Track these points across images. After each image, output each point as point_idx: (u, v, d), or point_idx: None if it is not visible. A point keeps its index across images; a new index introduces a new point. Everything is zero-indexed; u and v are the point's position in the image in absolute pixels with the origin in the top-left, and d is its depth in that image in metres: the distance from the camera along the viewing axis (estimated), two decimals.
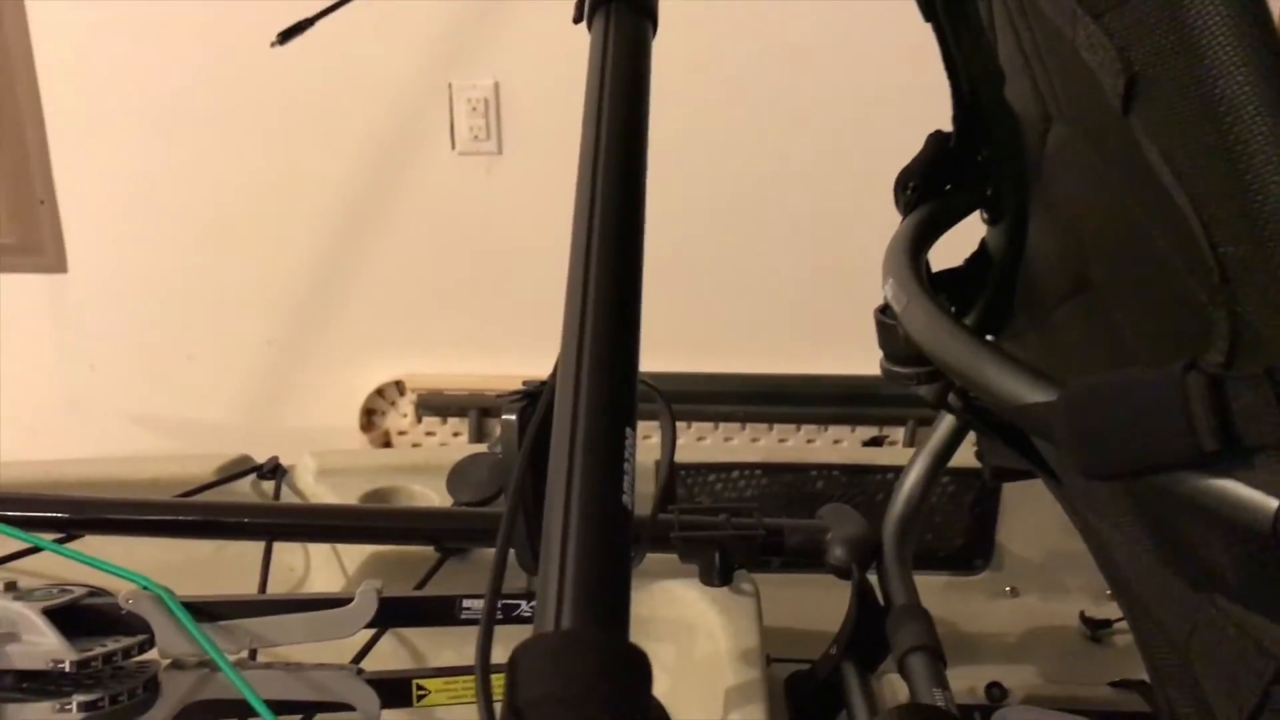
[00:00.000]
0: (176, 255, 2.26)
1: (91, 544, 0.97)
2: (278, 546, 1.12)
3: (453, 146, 2.16)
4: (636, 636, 0.39)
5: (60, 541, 1.00)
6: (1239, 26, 0.40)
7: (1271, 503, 0.43)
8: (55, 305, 2.30)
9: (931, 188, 0.88)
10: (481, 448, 1.28)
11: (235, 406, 2.33)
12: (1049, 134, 0.71)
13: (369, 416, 2.28)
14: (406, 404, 2.26)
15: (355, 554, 1.20)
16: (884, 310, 0.77)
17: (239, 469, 1.23)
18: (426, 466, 1.24)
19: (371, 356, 2.28)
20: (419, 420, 2.25)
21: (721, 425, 2.18)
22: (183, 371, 2.32)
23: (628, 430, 0.45)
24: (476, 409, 2.20)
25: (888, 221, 0.88)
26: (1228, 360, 0.44)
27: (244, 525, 1.08)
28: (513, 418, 0.82)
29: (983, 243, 0.93)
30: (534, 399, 0.83)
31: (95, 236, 2.27)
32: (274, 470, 1.24)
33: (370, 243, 2.24)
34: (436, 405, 2.24)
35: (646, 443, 1.88)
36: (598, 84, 0.59)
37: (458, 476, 1.20)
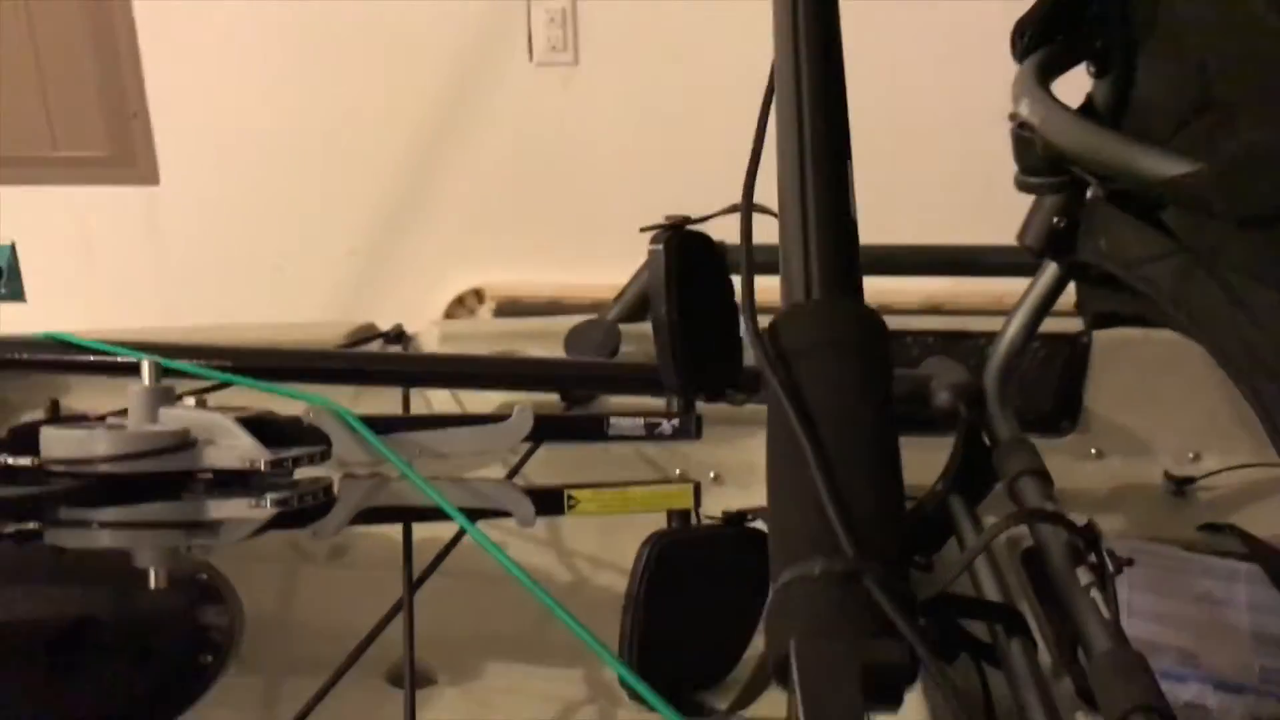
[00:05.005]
0: (263, 168, 2.34)
1: (236, 395, 1.02)
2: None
3: (530, 58, 2.21)
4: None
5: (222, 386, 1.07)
6: None
7: None
8: (147, 217, 2.38)
9: (1045, 36, 0.93)
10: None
11: (320, 314, 2.40)
12: None
13: None
14: (485, 311, 2.33)
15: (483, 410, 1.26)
16: (1020, 126, 0.83)
17: (365, 335, 1.30)
18: (544, 332, 1.31)
19: (451, 265, 2.35)
20: None
21: None
22: (270, 281, 2.40)
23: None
24: (554, 316, 2.27)
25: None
26: None
27: (389, 373, 1.15)
28: (659, 247, 0.88)
29: (1088, 97, 0.98)
30: (676, 230, 0.89)
31: (186, 150, 2.35)
32: (399, 336, 1.31)
33: (449, 154, 2.30)
34: (514, 312, 2.30)
35: None
36: None
37: (575, 339, 1.28)
